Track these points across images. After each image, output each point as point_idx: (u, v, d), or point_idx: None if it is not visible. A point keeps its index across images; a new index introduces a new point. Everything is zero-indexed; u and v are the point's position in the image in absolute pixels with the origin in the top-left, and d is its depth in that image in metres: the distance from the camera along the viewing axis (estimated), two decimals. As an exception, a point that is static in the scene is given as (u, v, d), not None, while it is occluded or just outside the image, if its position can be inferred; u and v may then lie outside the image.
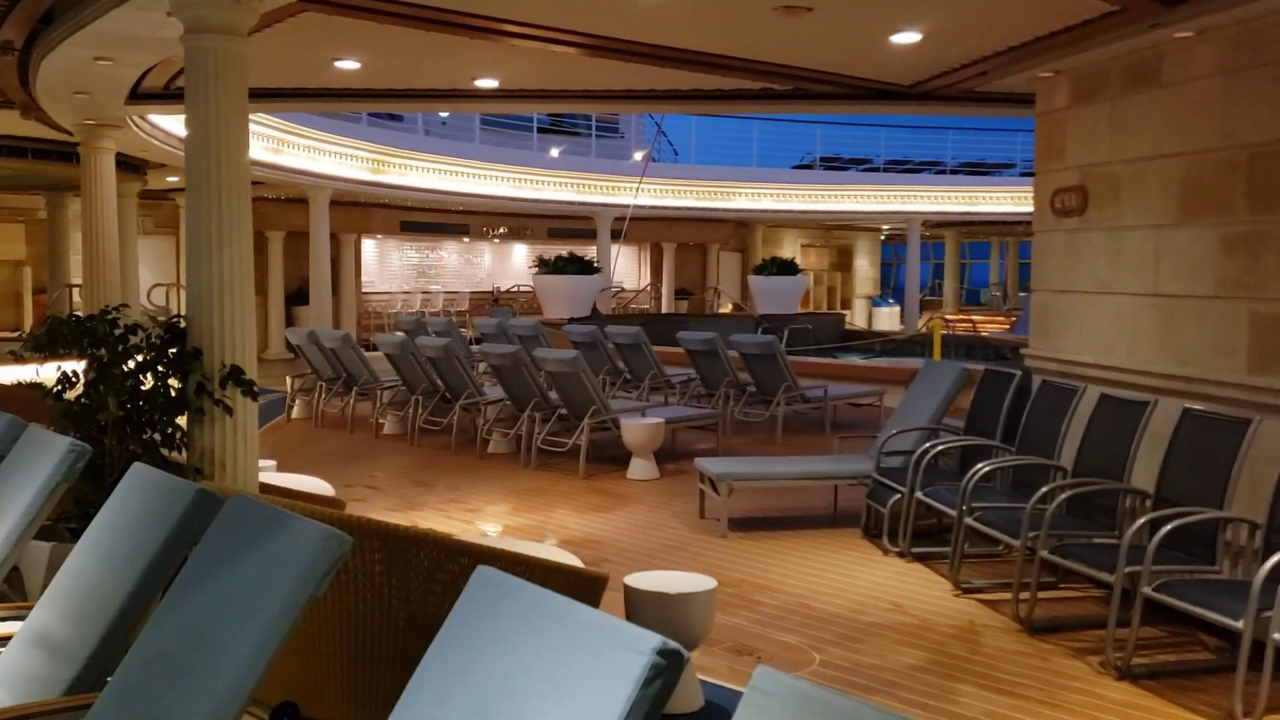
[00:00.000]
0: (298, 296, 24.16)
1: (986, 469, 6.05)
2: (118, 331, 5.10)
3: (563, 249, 21.62)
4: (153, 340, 5.20)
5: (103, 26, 5.81)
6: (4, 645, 3.47)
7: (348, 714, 3.99)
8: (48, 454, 4.08)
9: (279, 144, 15.68)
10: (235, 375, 5.12)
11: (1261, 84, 5.35)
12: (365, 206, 22.96)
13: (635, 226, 23.81)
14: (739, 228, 29.82)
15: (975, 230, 31.51)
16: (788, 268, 23.50)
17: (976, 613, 5.65)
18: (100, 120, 9.51)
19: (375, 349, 12.16)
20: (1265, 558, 4.30)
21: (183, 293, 18.94)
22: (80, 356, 5.21)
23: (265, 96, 8.78)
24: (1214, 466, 5.04)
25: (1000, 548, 6.18)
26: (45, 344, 5.03)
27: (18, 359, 5.24)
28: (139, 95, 8.49)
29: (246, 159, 5.24)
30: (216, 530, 3.01)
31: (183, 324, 5.20)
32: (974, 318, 25.65)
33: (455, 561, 3.85)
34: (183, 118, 12.05)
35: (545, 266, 20.14)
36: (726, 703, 4.43)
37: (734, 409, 11.43)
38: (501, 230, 26.52)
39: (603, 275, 21.10)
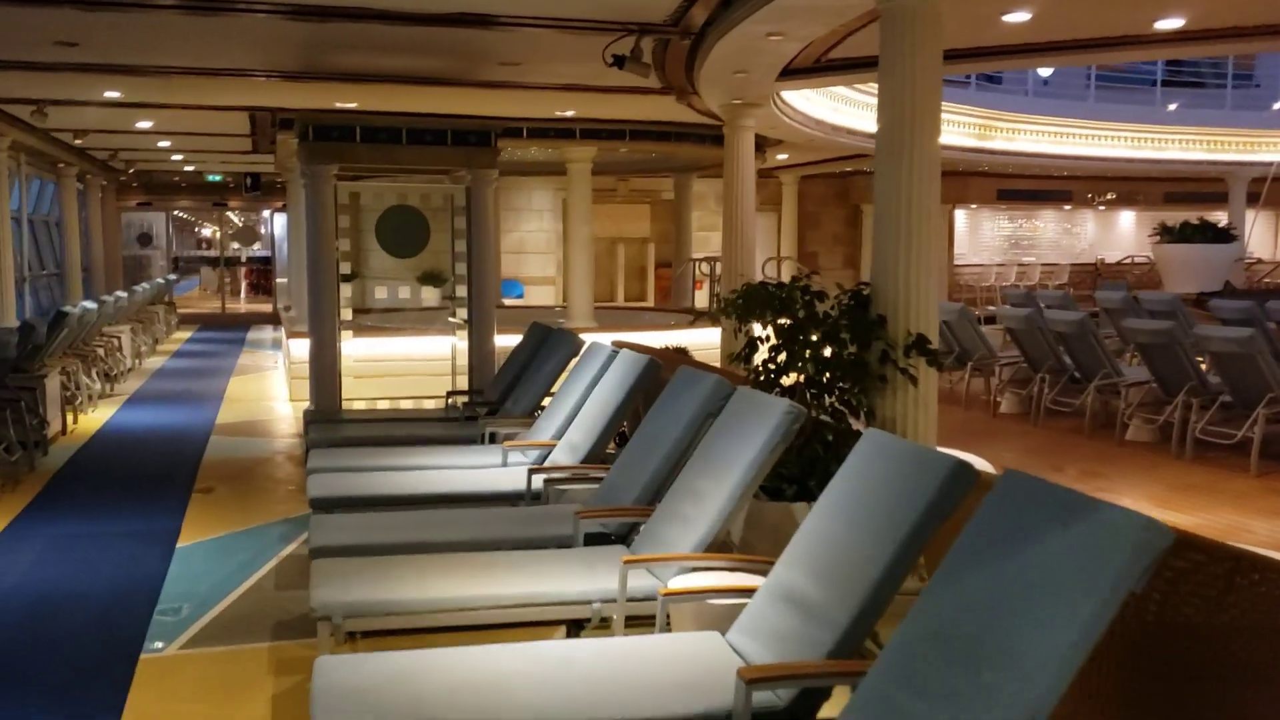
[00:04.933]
0: (891, 269, 24.30)
1: None
2: (806, 298, 5.18)
3: (1179, 215, 19.46)
4: (835, 308, 5.22)
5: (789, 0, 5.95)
6: (745, 596, 3.57)
7: None
8: (766, 415, 4.17)
9: (890, 116, 15.65)
10: (920, 344, 4.98)
11: None
12: (963, 175, 22.40)
13: (1276, 188, 20.77)
14: None
15: None
16: None
17: None
18: (746, 100, 9.99)
19: (991, 322, 11.67)
20: None
21: (783, 265, 19.82)
22: (766, 322, 5.37)
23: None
24: None
25: None
26: (741, 310, 5.24)
27: (714, 321, 5.53)
28: (788, 72, 8.76)
29: (937, 125, 5.05)
30: (993, 508, 2.79)
31: (866, 291, 5.15)
32: None
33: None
34: (806, 94, 12.34)
35: (1169, 234, 18.23)
36: None
37: None
38: (1109, 196, 24.56)
39: (1238, 245, 18.66)
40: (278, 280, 26.22)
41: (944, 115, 16.05)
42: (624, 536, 4.74)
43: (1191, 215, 19.59)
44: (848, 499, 3.36)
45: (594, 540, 4.66)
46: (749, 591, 3.58)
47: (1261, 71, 24.64)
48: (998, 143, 18.48)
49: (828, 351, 5.19)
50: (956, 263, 24.44)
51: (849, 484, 3.41)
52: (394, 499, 5.56)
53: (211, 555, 6.02)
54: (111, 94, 10.52)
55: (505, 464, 6.29)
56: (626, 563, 3.91)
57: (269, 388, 13.38)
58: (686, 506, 4.27)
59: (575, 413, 6.31)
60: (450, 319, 9.97)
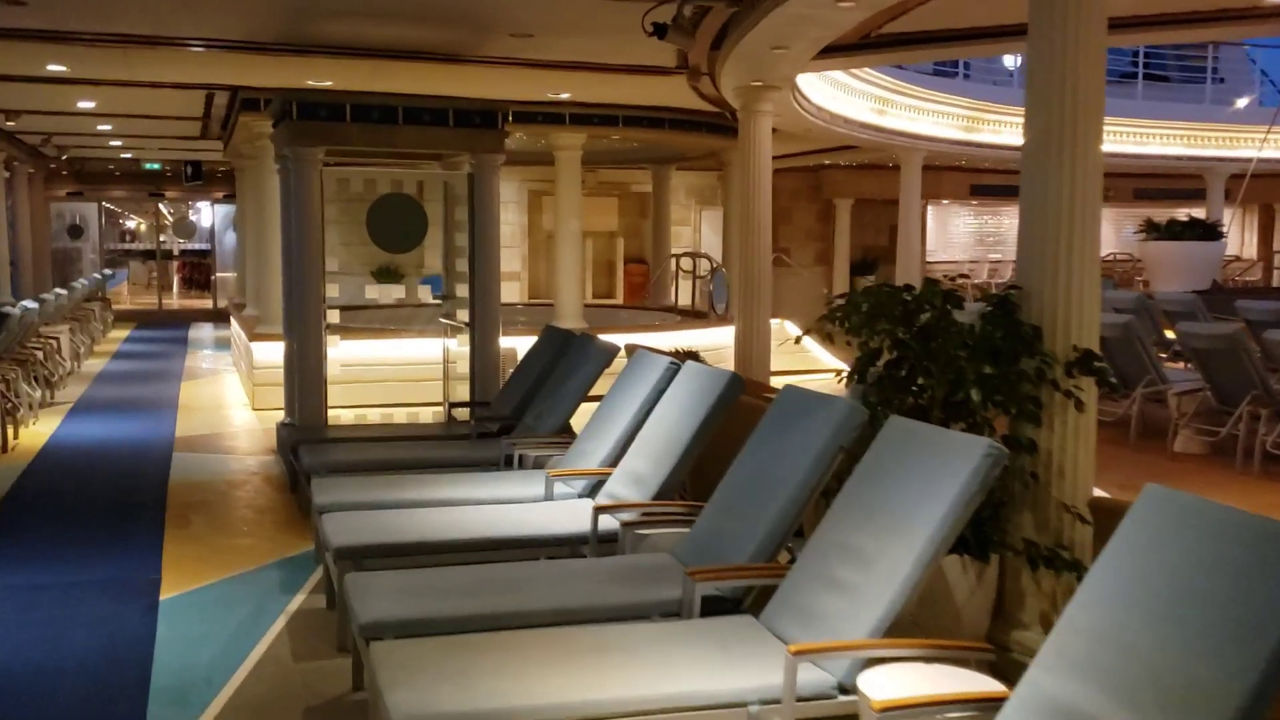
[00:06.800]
0: (861, 267, 23.65)
1: None
2: (946, 306, 4.32)
3: (1149, 212, 19.05)
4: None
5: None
6: (976, 707, 2.72)
7: None
8: (954, 457, 3.32)
9: (883, 104, 14.92)
10: (1087, 361, 4.15)
11: None
12: (938, 170, 21.80)
13: (1239, 185, 20.50)
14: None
15: None
16: None
17: None
18: (767, 82, 9.14)
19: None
20: None
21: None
22: (882, 333, 4.51)
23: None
24: None
25: None
26: (866, 318, 4.37)
27: (826, 337, 4.64)
28: (828, 49, 7.94)
29: (1101, 103, 4.23)
30: None
31: (1014, 297, 4.31)
32: None
33: None
34: (810, 79, 11.49)
35: (1156, 231, 17.75)
36: None
37: None
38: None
39: (1225, 242, 18.27)
40: (217, 275, 24.87)
41: (931, 105, 15.24)
42: (739, 601, 3.86)
43: (1161, 212, 19.16)
44: (1141, 585, 2.51)
45: (707, 607, 3.77)
46: (984, 701, 2.73)
47: (1225, 66, 24.46)
48: (984, 135, 17.86)
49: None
50: (928, 259, 23.87)
51: (1136, 564, 2.56)
52: (434, 546, 4.63)
53: (205, 611, 5.01)
54: (56, 68, 9.34)
55: (550, 497, 5.38)
56: (795, 654, 3.02)
57: (225, 393, 12.26)
58: (846, 572, 3.40)
59: (630, 436, 5.41)
60: (442, 320, 8.98)
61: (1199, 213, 19.19)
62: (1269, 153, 20.19)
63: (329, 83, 9.93)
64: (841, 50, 8.08)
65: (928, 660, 3.10)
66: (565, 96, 11.26)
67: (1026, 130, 4.33)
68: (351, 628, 3.79)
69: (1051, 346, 4.20)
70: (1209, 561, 2.42)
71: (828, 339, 4.64)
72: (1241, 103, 22.81)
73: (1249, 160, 19.40)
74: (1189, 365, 10.45)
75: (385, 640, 3.45)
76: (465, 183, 8.07)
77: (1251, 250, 25.60)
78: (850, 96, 13.80)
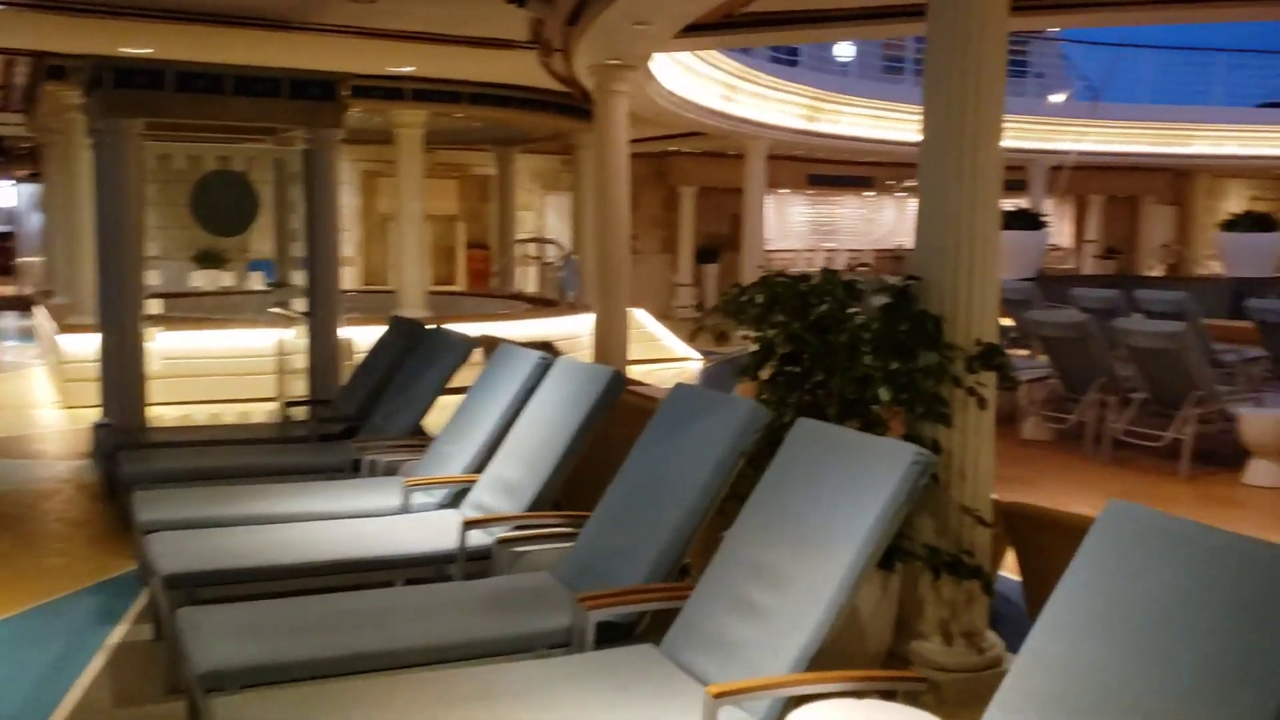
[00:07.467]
0: (705, 254, 23.61)
1: None
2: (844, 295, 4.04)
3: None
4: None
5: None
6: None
7: None
8: (877, 465, 3.04)
9: (731, 90, 14.77)
10: (989, 356, 3.95)
11: None
12: (777, 159, 21.90)
13: (1059, 177, 21.37)
14: (1177, 178, 26.40)
15: None
16: (1265, 223, 20.32)
17: None
18: (624, 61, 8.79)
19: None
20: None
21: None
22: (775, 325, 4.20)
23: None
24: None
25: None
26: (761, 311, 4.05)
27: (718, 334, 4.31)
28: (690, 27, 7.63)
29: (1002, 79, 4.03)
30: None
31: (914, 288, 4.07)
32: None
33: None
34: (659, 61, 11.22)
35: (987, 221, 18.29)
36: None
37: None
38: (910, 182, 24.78)
39: (1047, 231, 18.97)
40: (21, 259, 23.01)
41: (775, 93, 15.16)
42: (632, 626, 3.50)
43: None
44: (1116, 615, 2.26)
45: (603, 637, 3.39)
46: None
47: (1042, 61, 25.42)
48: (824, 125, 17.97)
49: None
50: (766, 248, 24.02)
51: (1109, 591, 2.31)
52: (279, 570, 4.11)
53: (9, 648, 4.33)
54: None
55: (407, 508, 4.89)
56: (717, 697, 2.67)
57: (29, 391, 11.18)
58: (760, 594, 3.08)
59: (497, 439, 4.98)
60: (274, 309, 8.29)
61: (1020, 204, 19.86)
62: (1088, 145, 21.12)
63: (148, 50, 9.06)
64: (704, 29, 7.79)
65: (856, 695, 2.80)
66: (408, 71, 10.64)
67: (926, 113, 4.10)
68: (186, 673, 3.26)
69: (952, 339, 3.99)
70: (1202, 591, 2.17)
71: (720, 334, 4.31)
72: (1058, 98, 23.76)
73: (1067, 153, 20.22)
74: (1031, 353, 10.68)
75: (229, 693, 2.94)
76: (299, 160, 7.44)
77: (1067, 240, 26.78)
78: (699, 80, 13.59)
